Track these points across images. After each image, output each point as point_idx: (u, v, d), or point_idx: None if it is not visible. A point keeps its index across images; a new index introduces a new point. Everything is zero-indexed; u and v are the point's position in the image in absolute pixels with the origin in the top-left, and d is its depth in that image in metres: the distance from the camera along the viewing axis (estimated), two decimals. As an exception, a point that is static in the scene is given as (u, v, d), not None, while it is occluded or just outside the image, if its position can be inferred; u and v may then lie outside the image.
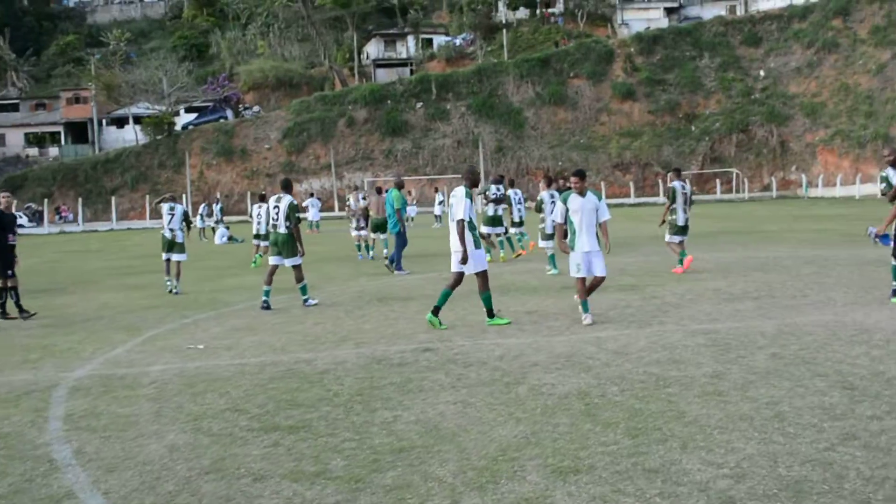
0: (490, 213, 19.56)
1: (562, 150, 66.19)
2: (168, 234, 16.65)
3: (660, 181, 60.28)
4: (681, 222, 15.84)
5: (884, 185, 11.50)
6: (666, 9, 78.94)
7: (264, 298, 13.33)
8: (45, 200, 60.79)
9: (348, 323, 11.48)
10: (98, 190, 65.36)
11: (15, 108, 77.06)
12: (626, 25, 77.30)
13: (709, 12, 76.33)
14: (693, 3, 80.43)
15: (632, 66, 68.09)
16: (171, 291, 16.17)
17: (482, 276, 10.61)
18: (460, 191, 10.64)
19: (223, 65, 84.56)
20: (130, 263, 25.35)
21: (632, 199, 58.55)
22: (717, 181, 61.53)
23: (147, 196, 62.30)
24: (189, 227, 17.22)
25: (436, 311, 10.69)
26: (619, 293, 13.05)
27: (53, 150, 74.17)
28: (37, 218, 60.14)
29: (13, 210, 14.03)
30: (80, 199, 60.17)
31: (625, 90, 67.17)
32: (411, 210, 40.51)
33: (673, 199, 15.94)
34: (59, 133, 75.77)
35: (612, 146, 65.27)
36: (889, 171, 11.39)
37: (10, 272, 13.53)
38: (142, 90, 70.58)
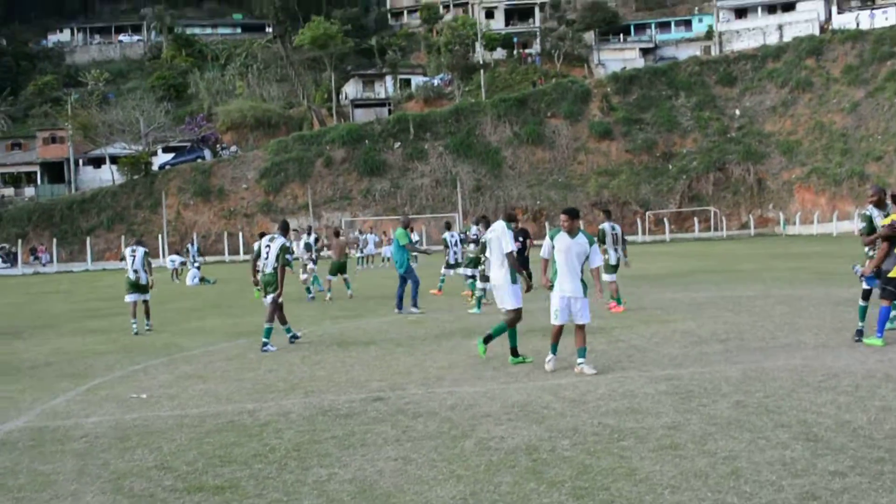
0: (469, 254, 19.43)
1: (540, 188, 66.18)
2: (132, 276, 16.80)
3: (638, 220, 60.31)
4: (612, 261, 16.68)
5: (864, 224, 11.22)
6: (641, 49, 79.51)
7: (289, 335, 13.76)
8: (20, 241, 60.05)
9: (302, 369, 11.04)
10: (74, 230, 64.64)
11: (-10, 148, 76.59)
12: (602, 66, 77.80)
13: (684, 52, 76.97)
14: (668, 43, 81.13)
15: (608, 105, 68.42)
16: (136, 333, 16.09)
17: (515, 312, 10.75)
18: (500, 225, 10.93)
19: (202, 105, 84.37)
20: (97, 306, 24.78)
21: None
22: (696, 219, 61.61)
23: (122, 236, 61.63)
24: (151, 268, 17.32)
25: (514, 352, 10.74)
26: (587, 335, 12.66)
27: (30, 190, 73.50)
28: (11, 259, 59.32)
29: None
30: (54, 240, 59.48)
31: (602, 129, 67.40)
32: (386, 250, 40.14)
33: (602, 240, 16.64)
34: (35, 173, 75.13)
35: (591, 185, 65.33)
36: (871, 210, 11.09)
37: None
38: (118, 130, 70.18)
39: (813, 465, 5.75)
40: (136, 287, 16.78)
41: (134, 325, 16.39)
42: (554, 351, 10.07)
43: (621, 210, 63.74)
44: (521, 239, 19.55)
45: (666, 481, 5.58)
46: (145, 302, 16.91)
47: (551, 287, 9.94)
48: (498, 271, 10.82)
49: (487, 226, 18.93)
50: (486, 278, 16.57)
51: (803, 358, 9.99)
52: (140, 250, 17.16)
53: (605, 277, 16.49)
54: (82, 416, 8.83)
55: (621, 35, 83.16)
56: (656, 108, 68.47)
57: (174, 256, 37.62)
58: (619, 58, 77.52)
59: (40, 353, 14.09)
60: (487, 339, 10.83)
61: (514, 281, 10.73)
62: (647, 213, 61.31)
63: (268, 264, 13.37)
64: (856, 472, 5.57)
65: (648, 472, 5.81)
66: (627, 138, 67.39)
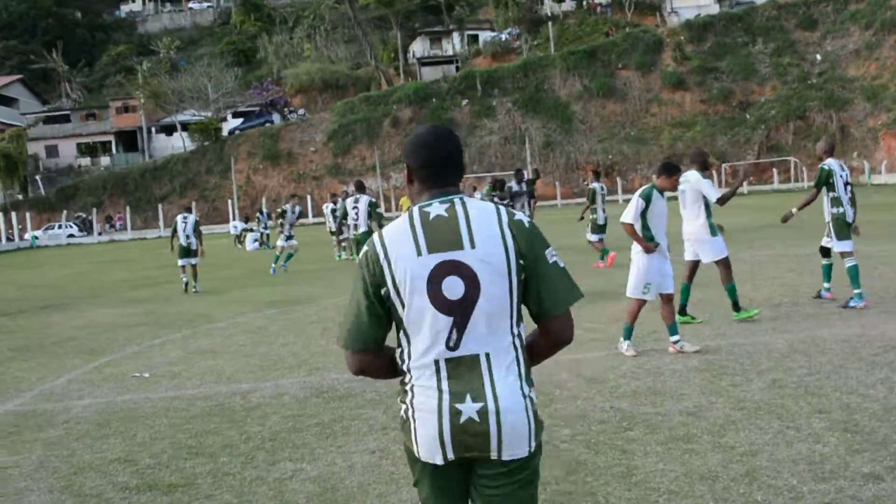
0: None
1: (612, 143, 64.38)
2: (184, 242, 18.09)
3: (714, 172, 58.09)
4: (601, 221, 17.09)
5: None
6: (718, -7, 76.42)
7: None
8: (94, 210, 61.19)
9: (318, 343, 10.42)
10: (147, 197, 65.62)
11: (66, 119, 77.92)
12: (675, 13, 74.85)
13: (761, -5, 73.59)
14: (745, -14, 77.73)
15: (682, 54, 65.82)
16: (187, 290, 17.87)
17: (723, 263, 9.70)
18: (694, 175, 9.69)
19: (270, 69, 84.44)
20: (152, 274, 24.73)
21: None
22: (774, 170, 59.07)
23: (194, 202, 62.21)
24: (200, 235, 18.47)
25: (683, 311, 9.91)
26: (627, 302, 11.73)
27: (105, 160, 74.78)
28: (86, 227, 60.55)
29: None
30: (127, 208, 60.44)
31: (675, 80, 64.95)
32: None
33: (593, 200, 17.17)
34: (109, 142, 76.41)
35: (664, 138, 63.18)
36: None
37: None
38: (188, 97, 70.71)
39: (845, 465, 4.84)
40: (188, 252, 18.09)
41: (184, 278, 18.13)
42: (629, 335, 8.46)
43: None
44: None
45: (665, 485, 4.74)
46: (193, 266, 18.15)
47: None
48: (693, 223, 9.74)
49: (521, 180, 17.98)
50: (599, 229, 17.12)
51: (861, 326, 8.91)
52: (191, 218, 18.57)
53: (592, 237, 17.35)
54: (75, 398, 8.39)
55: (695, -20, 79.90)
56: (732, 56, 65.59)
57: (237, 223, 37.62)
58: (693, 4, 74.38)
59: (70, 328, 13.82)
60: (736, 306, 9.73)
61: (713, 233, 9.69)
62: (724, 166, 58.94)
63: (360, 224, 13.78)
64: (893, 475, 4.63)
65: (649, 471, 4.98)
66: (702, 88, 64.83)
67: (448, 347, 2.63)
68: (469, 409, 2.61)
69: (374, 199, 14.49)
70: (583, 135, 65.26)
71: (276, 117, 73.25)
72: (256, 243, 32.46)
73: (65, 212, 61.95)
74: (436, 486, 2.79)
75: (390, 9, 79.86)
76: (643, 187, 8.40)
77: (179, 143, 71.80)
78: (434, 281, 2.61)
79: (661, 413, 6.18)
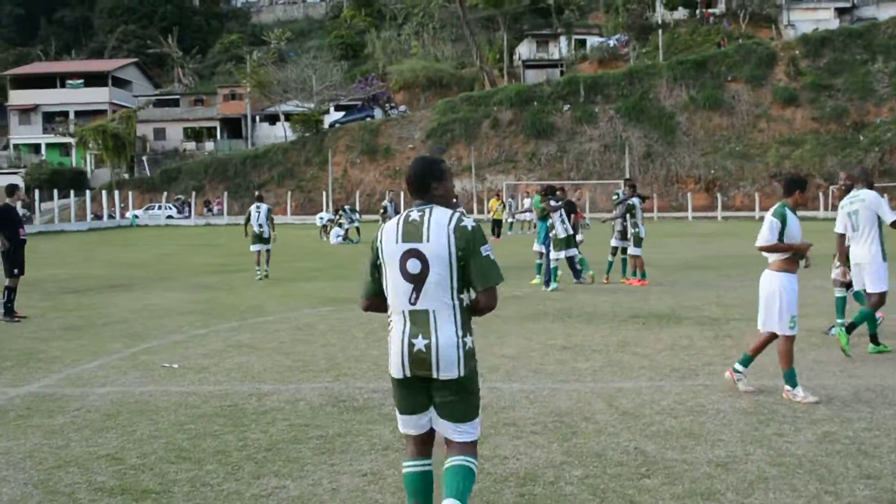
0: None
1: (715, 157, 62.36)
2: (257, 229, 19.01)
3: (821, 194, 55.68)
4: (643, 234, 16.23)
5: None
6: (837, 9, 72.92)
7: None
8: (194, 193, 62.65)
9: (358, 347, 10.05)
10: (246, 184, 66.68)
11: (176, 103, 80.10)
12: (792, 26, 72.05)
13: (885, 13, 69.78)
14: (868, 3, 74.19)
15: (796, 69, 63.19)
16: (259, 279, 18.39)
17: (881, 295, 9.06)
18: (871, 195, 9.13)
19: (376, 64, 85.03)
20: (233, 260, 24.88)
21: (788, 213, 54.27)
22: (886, 196, 56.17)
23: (289, 192, 63.15)
24: (273, 224, 19.52)
25: (874, 339, 9.26)
26: (691, 327, 11.00)
27: (209, 145, 76.50)
28: (186, 209, 62.02)
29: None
30: (225, 193, 61.67)
31: (787, 95, 62.40)
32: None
33: (633, 215, 16.31)
34: (215, 128, 78.19)
35: (771, 155, 60.84)
36: None
37: (16, 271, 12.72)
38: (293, 88, 71.69)
39: (881, 548, 4.14)
40: (260, 239, 18.96)
41: (258, 271, 18.68)
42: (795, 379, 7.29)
43: (803, 183, 59.15)
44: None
45: (665, 550, 4.14)
46: (268, 251, 19.04)
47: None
48: (864, 247, 9.09)
49: (633, 189, 16.99)
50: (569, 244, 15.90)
51: None
52: (264, 207, 19.50)
53: (634, 251, 16.33)
54: (98, 385, 8.23)
55: (816, -7, 76.86)
56: (849, 73, 62.65)
57: (323, 214, 37.79)
58: (812, 18, 71.46)
59: (127, 310, 13.84)
60: (850, 329, 8.99)
61: (885, 258, 9.07)
62: (832, 188, 56.37)
63: None
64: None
65: (652, 531, 4.38)
66: (814, 105, 62.13)
67: (410, 303, 4.04)
68: (419, 343, 4.01)
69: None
70: (685, 147, 63.43)
71: (377, 112, 73.64)
72: (340, 238, 32.43)
73: (165, 193, 63.55)
74: (401, 394, 4.22)
75: (498, 9, 79.36)
76: (774, 207, 7.45)
77: (281, 132, 72.91)
78: (402, 260, 4.04)
79: (688, 461, 5.53)
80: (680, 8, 77.02)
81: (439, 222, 4.00)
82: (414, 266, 4.00)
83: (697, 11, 77.21)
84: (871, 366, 8.54)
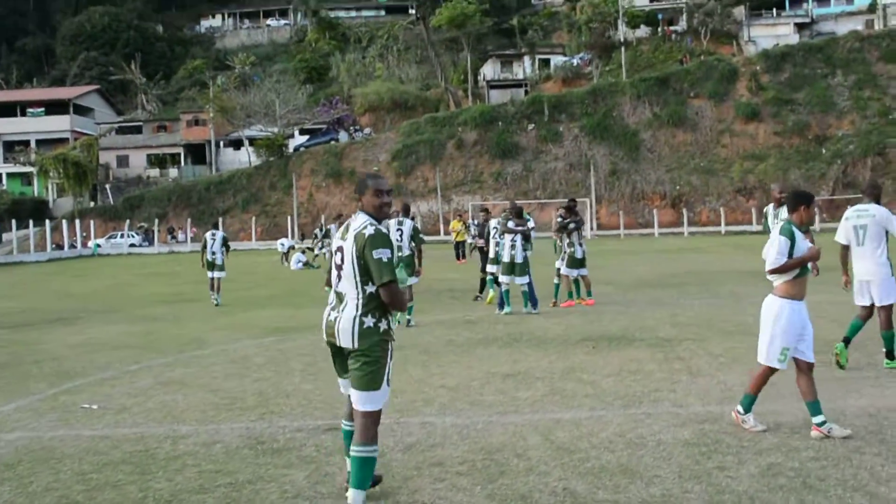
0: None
1: (680, 173, 62.48)
2: (210, 257, 19.28)
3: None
4: (578, 255, 15.82)
5: None
6: (796, 24, 73.69)
7: (409, 317, 13.77)
8: (157, 221, 61.77)
9: (291, 381, 9.55)
10: (210, 210, 65.85)
11: (139, 130, 79.20)
12: (752, 42, 72.64)
13: (844, 27, 70.73)
14: (826, 17, 75.05)
15: (757, 85, 63.60)
16: (216, 304, 18.75)
17: (888, 308, 8.84)
18: (880, 210, 8.96)
19: (341, 87, 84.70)
20: (185, 289, 24.33)
21: (754, 227, 54.24)
22: (850, 207, 56.50)
23: (254, 218, 62.51)
24: (228, 250, 19.92)
25: (890, 355, 8.91)
26: (642, 349, 10.62)
27: (173, 171, 75.60)
28: (149, 238, 61.12)
29: None
30: (188, 220, 60.85)
31: (749, 110, 62.75)
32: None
33: (569, 234, 15.89)
34: (178, 154, 77.37)
35: (735, 170, 61.08)
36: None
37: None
38: (256, 112, 71.13)
39: None
40: (213, 266, 19.23)
41: (213, 297, 18.97)
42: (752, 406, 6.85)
43: (767, 197, 59.21)
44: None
45: None
46: (219, 280, 19.22)
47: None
48: (871, 262, 8.87)
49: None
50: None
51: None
52: (219, 234, 20.01)
53: (566, 271, 15.87)
54: (7, 431, 7.71)
55: (774, 10, 77.55)
56: (810, 88, 63.14)
57: (284, 240, 37.30)
58: (772, 34, 72.18)
59: (62, 344, 13.27)
60: (847, 342, 8.98)
61: (893, 273, 8.89)
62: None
63: (403, 247, 13.68)
64: None
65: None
66: (777, 120, 62.51)
67: (335, 286, 5.15)
68: (332, 316, 5.10)
69: (417, 226, 14.52)
70: (650, 164, 63.54)
71: (342, 135, 73.21)
72: (300, 263, 31.92)
73: (127, 221, 62.63)
74: (332, 356, 5.28)
75: (462, 30, 79.37)
76: (780, 225, 6.84)
77: (246, 157, 72.29)
78: (335, 254, 5.18)
79: (620, 502, 5.12)
80: (642, 26, 77.50)
81: (353, 227, 5.12)
82: (339, 258, 5.14)
83: (659, 29, 77.76)
84: (825, 386, 8.18)
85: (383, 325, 5.01)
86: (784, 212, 9.31)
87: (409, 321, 13.73)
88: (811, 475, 5.48)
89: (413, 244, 13.87)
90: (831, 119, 61.82)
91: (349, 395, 5.14)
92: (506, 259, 15.05)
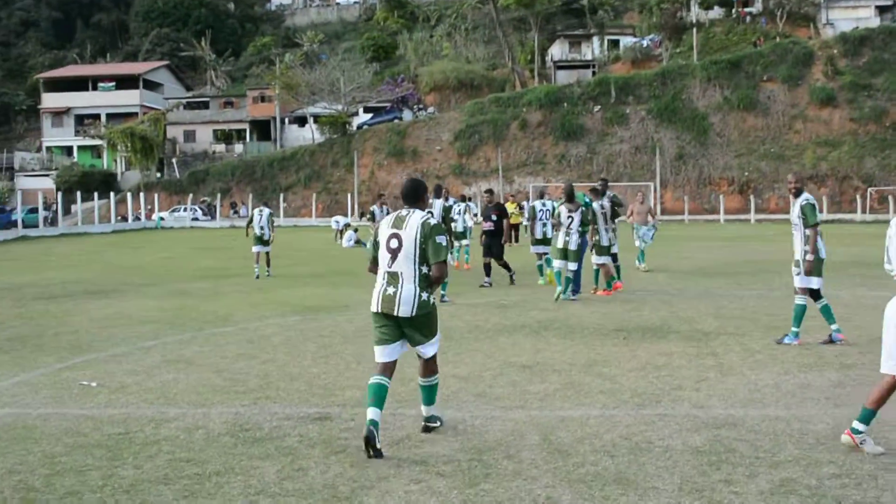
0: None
1: (749, 159, 60.73)
2: (258, 231, 20.06)
3: (858, 197, 53.91)
4: (604, 242, 15.12)
5: None
6: (878, 7, 70.74)
7: (443, 293, 14.11)
8: (219, 195, 62.38)
9: (300, 364, 9.19)
10: (273, 186, 66.32)
11: (206, 105, 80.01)
12: (830, 25, 69.99)
13: (929, 9, 67.95)
14: (911, -1, 72.06)
15: (833, 69, 61.31)
16: (257, 277, 19.49)
17: None
18: None
19: (408, 66, 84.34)
20: (233, 264, 24.26)
21: (824, 215, 52.41)
22: (928, 202, 54.27)
23: (315, 195, 62.74)
24: (273, 227, 20.62)
25: None
26: (675, 342, 10.00)
27: (238, 147, 76.27)
28: (211, 212, 61.78)
29: None
30: (250, 195, 61.30)
31: (824, 95, 60.55)
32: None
33: (594, 221, 14.93)
34: (244, 130, 78.01)
35: (807, 156, 59.10)
36: None
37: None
38: (321, 90, 71.18)
39: None
40: (261, 241, 20.01)
41: (256, 270, 19.77)
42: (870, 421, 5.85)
43: (840, 185, 57.48)
44: (494, 217, 17.17)
45: None
46: (267, 253, 20.09)
47: None
48: None
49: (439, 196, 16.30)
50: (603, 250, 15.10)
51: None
52: (266, 211, 20.70)
53: (596, 259, 15.05)
54: (-2, 406, 7.46)
55: (856, -10, 74.67)
56: (889, 73, 60.57)
57: (339, 217, 37.14)
58: (852, 17, 69.37)
59: (89, 318, 13.16)
60: None
61: None
62: (870, 190, 54.60)
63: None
64: None
65: None
66: (853, 106, 60.21)
67: (388, 266, 6.13)
68: (391, 291, 6.09)
69: (448, 205, 15.63)
70: (719, 148, 61.89)
71: (406, 114, 72.90)
72: (352, 241, 31.70)
73: (190, 195, 63.33)
74: (377, 325, 6.22)
75: (530, 10, 78.16)
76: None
77: (310, 134, 72.51)
78: (390, 239, 6.14)
79: (605, 516, 4.60)
80: (715, 7, 75.34)
81: (414, 219, 6.15)
82: (395, 243, 6.12)
83: (733, 11, 75.46)
84: (862, 393, 7.50)
85: (431, 298, 6.21)
86: (798, 202, 9.40)
87: (443, 296, 13.84)
88: (827, 495, 4.88)
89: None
90: (911, 106, 59.34)
91: (383, 361, 6.19)
92: (559, 244, 14.27)
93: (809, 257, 9.57)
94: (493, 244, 16.99)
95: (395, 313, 6.05)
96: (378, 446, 5.70)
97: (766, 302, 13.68)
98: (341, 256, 27.96)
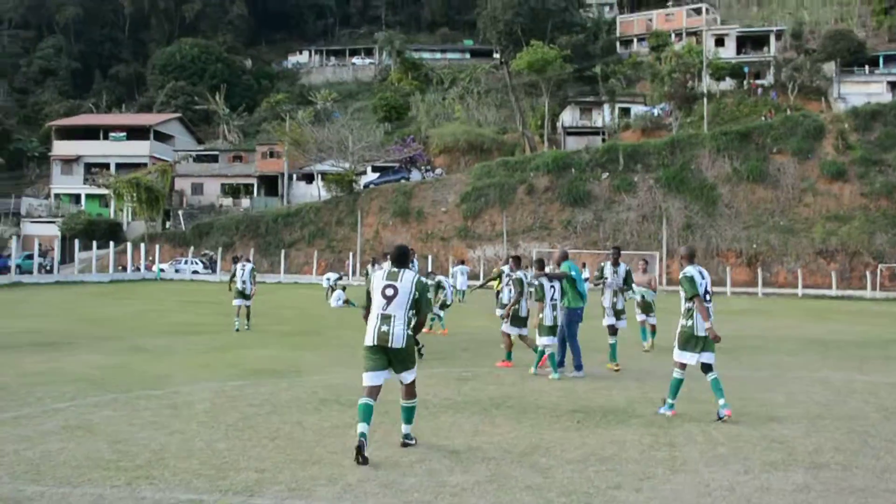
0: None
1: (758, 231, 59.75)
2: (240, 286, 20.48)
3: (868, 273, 52.78)
4: (523, 313, 14.19)
5: None
6: (890, 83, 70.50)
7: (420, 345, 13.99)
8: (220, 249, 61.81)
9: (212, 437, 8.27)
10: (276, 242, 65.81)
11: (215, 159, 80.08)
12: (842, 100, 69.66)
13: (942, 87, 67.64)
14: (923, 76, 71.90)
15: (844, 143, 60.65)
16: (237, 330, 19.76)
17: None
18: None
19: (419, 127, 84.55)
20: (210, 320, 23.47)
21: (833, 291, 51.29)
22: (939, 280, 53.12)
23: (316, 252, 62.16)
24: (255, 280, 21.15)
25: None
26: (633, 429, 9.03)
27: (245, 202, 76.12)
28: (212, 265, 61.18)
29: None
30: (251, 250, 60.67)
31: (835, 169, 59.78)
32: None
33: (520, 291, 14.14)
34: (252, 185, 77.89)
35: (817, 230, 58.10)
36: None
37: None
38: (329, 147, 71.11)
39: None
40: (242, 295, 20.40)
41: (237, 323, 20.08)
42: None
43: (850, 261, 56.32)
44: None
45: None
46: (248, 307, 20.48)
47: None
48: None
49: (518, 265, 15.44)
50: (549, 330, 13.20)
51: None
52: (248, 266, 21.18)
53: (506, 329, 14.34)
54: None
55: (867, 67, 74.35)
56: (901, 149, 60.03)
57: (330, 274, 36.26)
58: (864, 91, 69.09)
59: (19, 372, 12.34)
60: None
61: None
62: (881, 267, 53.49)
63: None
64: None
65: None
66: (864, 181, 59.35)
67: (383, 309, 7.70)
68: (384, 329, 7.65)
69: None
70: (727, 220, 61.00)
71: (415, 175, 72.61)
72: (340, 301, 30.87)
73: (191, 248, 62.84)
74: (370, 355, 7.73)
75: (541, 75, 78.32)
76: None
77: (317, 191, 72.26)
78: (386, 288, 7.78)
79: None
80: (727, 78, 75.30)
81: (409, 276, 7.84)
82: (391, 291, 7.70)
83: (745, 82, 75.38)
84: (840, 498, 6.50)
85: (413, 337, 7.87)
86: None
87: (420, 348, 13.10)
88: None
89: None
90: (922, 182, 58.45)
91: (370, 385, 7.68)
92: (548, 322, 13.24)
93: (707, 325, 9.52)
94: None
95: (389, 345, 7.59)
96: (366, 454, 7.17)
97: (747, 384, 12.66)
98: (328, 316, 27.09)
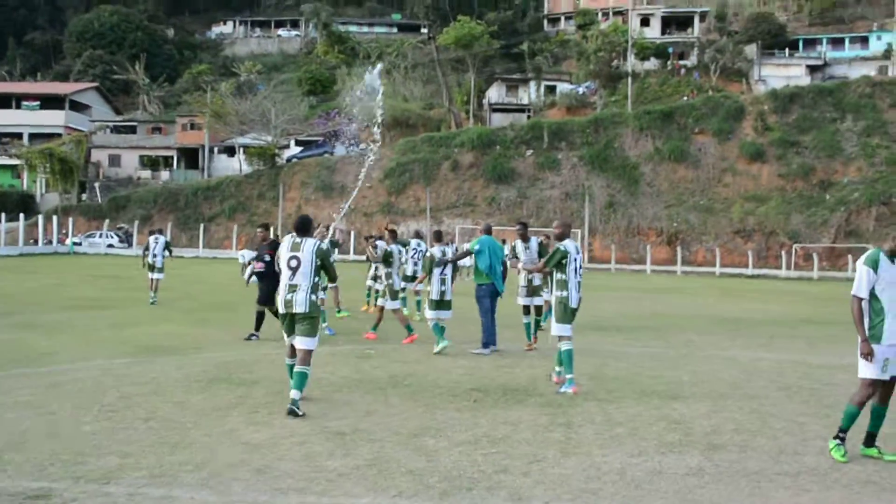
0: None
1: (678, 210, 60.58)
2: (151, 260, 20.77)
3: (783, 253, 53.93)
4: (397, 286, 14.53)
5: None
6: (809, 66, 71.97)
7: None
8: (136, 222, 60.14)
9: (80, 419, 7.74)
10: (196, 216, 64.35)
11: (133, 130, 77.83)
12: (762, 82, 70.90)
13: (857, 72, 68.89)
14: (840, 61, 73.37)
15: (764, 124, 61.77)
16: (152, 303, 19.82)
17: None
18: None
19: (344, 101, 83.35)
20: (115, 295, 22.64)
21: (749, 270, 52.28)
22: (850, 257, 54.37)
23: (237, 227, 60.95)
24: (170, 254, 21.89)
25: (870, 440, 7.23)
26: (530, 408, 8.77)
27: (165, 174, 74.21)
28: (128, 239, 59.46)
29: None
30: (169, 224, 59.18)
31: (754, 150, 60.88)
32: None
33: (389, 263, 14.35)
34: (171, 157, 75.92)
35: (735, 210, 59.12)
36: None
37: None
38: (251, 120, 69.65)
39: None
40: (153, 268, 20.69)
41: (152, 296, 20.20)
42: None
43: (766, 240, 57.51)
44: (266, 258, 14.03)
45: None
46: (158, 280, 20.65)
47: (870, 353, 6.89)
48: None
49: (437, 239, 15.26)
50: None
51: (814, 501, 5.84)
52: (161, 239, 21.51)
53: (390, 305, 14.41)
54: None
55: (787, 50, 75.82)
56: (818, 131, 61.26)
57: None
58: (783, 74, 70.40)
59: None
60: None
61: None
62: (795, 246, 54.69)
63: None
64: None
65: None
66: (781, 162, 60.60)
67: (290, 280, 8.35)
68: (289, 296, 8.33)
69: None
70: (648, 198, 61.69)
71: (339, 149, 71.62)
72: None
73: (107, 221, 61.07)
74: (282, 324, 8.54)
75: (468, 51, 77.93)
76: (867, 253, 6.94)
77: (238, 165, 70.80)
78: (290, 260, 8.39)
79: None
80: (651, 58, 75.96)
81: (309, 244, 8.41)
82: (294, 262, 8.33)
83: (668, 63, 76.16)
84: (731, 481, 6.32)
85: (318, 300, 8.45)
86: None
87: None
88: None
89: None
90: (837, 165, 59.93)
91: (292, 344, 8.44)
92: (434, 296, 13.12)
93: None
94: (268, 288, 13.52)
95: (294, 310, 8.22)
96: (294, 409, 7.98)
97: (657, 362, 12.56)
98: (239, 292, 26.37)
